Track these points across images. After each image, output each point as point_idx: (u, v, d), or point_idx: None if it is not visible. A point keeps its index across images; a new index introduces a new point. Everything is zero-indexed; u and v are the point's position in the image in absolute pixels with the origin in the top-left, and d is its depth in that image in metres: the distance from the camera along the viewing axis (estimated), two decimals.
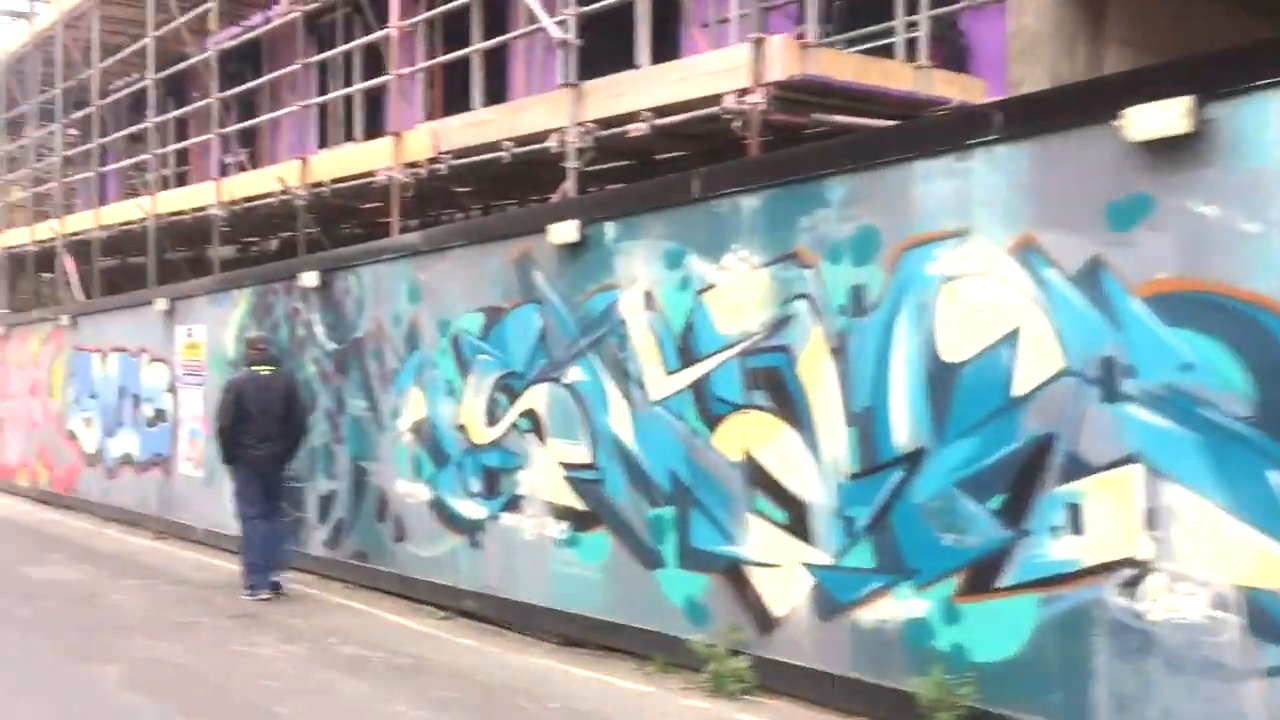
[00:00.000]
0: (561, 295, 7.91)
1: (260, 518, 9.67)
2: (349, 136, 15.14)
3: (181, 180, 19.48)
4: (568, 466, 7.87)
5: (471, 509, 8.79)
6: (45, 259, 19.94)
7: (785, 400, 6.42)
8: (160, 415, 13.96)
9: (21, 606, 9.14)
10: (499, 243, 8.54)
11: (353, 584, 10.13)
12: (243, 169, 17.25)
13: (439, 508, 9.16)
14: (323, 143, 16.27)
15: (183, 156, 19.50)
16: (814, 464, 6.27)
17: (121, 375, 15.03)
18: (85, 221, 17.30)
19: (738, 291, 6.67)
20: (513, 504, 8.38)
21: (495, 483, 8.57)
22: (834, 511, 6.18)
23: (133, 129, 16.86)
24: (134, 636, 8.09)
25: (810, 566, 6.29)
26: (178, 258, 15.94)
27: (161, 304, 13.65)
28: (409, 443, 9.53)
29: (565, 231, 7.71)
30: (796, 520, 6.36)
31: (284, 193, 12.11)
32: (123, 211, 16.04)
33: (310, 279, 10.71)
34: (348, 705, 6.55)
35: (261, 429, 9.59)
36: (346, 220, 13.28)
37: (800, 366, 6.34)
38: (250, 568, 9.62)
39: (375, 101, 14.98)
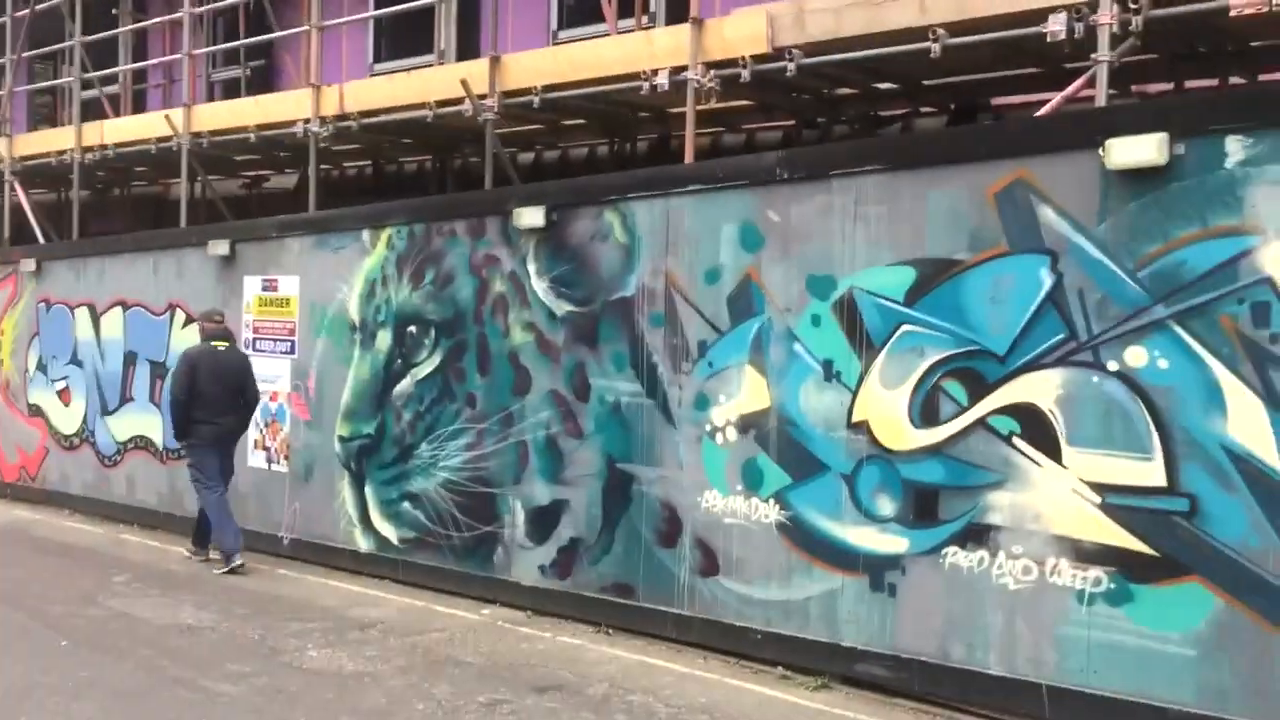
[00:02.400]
0: (1111, 244, 5.52)
1: (219, 486, 9.37)
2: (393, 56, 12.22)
3: (139, 103, 15.97)
4: (1110, 490, 5.52)
5: (876, 539, 6.33)
6: None
7: None
8: None
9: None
10: (955, 169, 6.08)
11: (598, 625, 7.52)
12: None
13: (801, 535, 6.66)
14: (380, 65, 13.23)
15: (140, 75, 15.94)
16: None
17: (131, 337, 11.72)
18: (55, 141, 13.66)
19: None
20: (973, 536, 5.98)
21: (931, 505, 6.14)
22: None
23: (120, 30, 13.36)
24: None
25: None
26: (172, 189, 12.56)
27: (220, 247, 10.46)
28: (732, 443, 6.97)
29: (1138, 150, 5.33)
30: None
31: (444, 103, 9.17)
32: (138, 127, 12.54)
33: (531, 217, 7.94)
34: None
35: (218, 404, 9.30)
36: (542, 139, 10.44)
37: None
38: (227, 537, 9.22)
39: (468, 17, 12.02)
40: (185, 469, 9.85)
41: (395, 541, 8.93)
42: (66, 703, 5.66)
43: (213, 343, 9.49)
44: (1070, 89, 6.11)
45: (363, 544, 9.18)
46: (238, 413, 9.50)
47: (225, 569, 9.05)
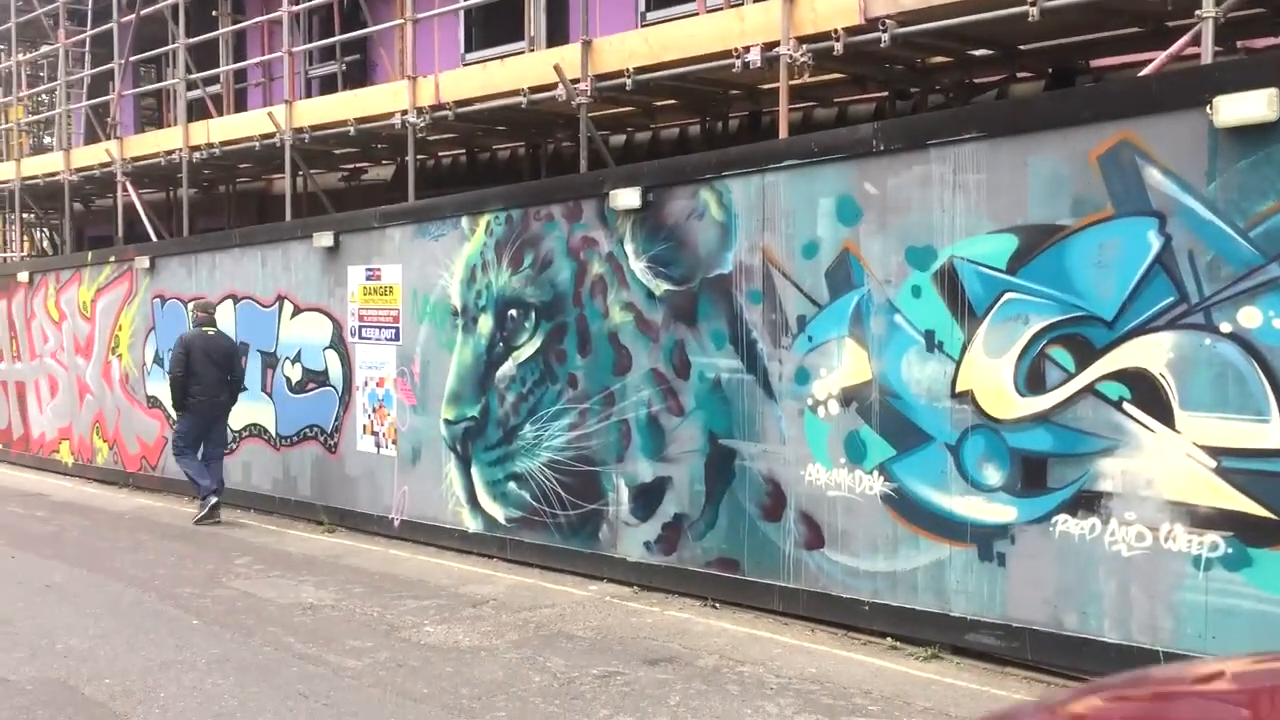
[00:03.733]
0: (1221, 203, 5.42)
1: (194, 450, 11.02)
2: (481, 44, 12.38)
3: (240, 102, 16.40)
4: (1225, 453, 5.43)
5: (984, 508, 6.31)
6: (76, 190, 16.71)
7: None
8: (316, 378, 11.12)
9: None
10: (1056, 133, 6.01)
11: (704, 599, 7.60)
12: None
13: (906, 506, 6.66)
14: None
15: (240, 74, 16.38)
16: None
17: (242, 329, 12.08)
18: (163, 141, 14.14)
19: None
20: (1084, 503, 5.92)
21: (1040, 473, 6.09)
22: None
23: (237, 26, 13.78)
24: None
25: None
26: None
27: (324, 239, 10.75)
28: (834, 416, 6.99)
29: (1248, 107, 5.22)
30: None
31: (538, 89, 9.31)
32: (242, 125, 12.93)
33: (627, 198, 8.02)
34: None
35: (208, 381, 10.84)
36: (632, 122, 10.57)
37: None
38: (203, 482, 10.87)
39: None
40: (312, 455, 10.62)
41: (502, 521, 9.12)
42: (201, 678, 5.92)
43: (203, 328, 11.07)
44: (1175, 47, 6.00)
45: (471, 524, 9.39)
46: (227, 388, 11.02)
47: (202, 512, 10.76)
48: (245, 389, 11.79)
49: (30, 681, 5.83)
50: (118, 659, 6.26)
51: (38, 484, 14.05)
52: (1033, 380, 6.09)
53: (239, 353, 11.32)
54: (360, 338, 10.55)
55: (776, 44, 7.51)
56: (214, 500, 10.79)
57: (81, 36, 16.51)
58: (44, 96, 20.15)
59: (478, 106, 9.99)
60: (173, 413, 11.48)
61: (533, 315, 8.85)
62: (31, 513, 11.82)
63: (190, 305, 11.74)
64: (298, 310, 11.31)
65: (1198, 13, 5.73)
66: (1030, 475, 6.12)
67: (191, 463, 11.03)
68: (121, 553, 9.46)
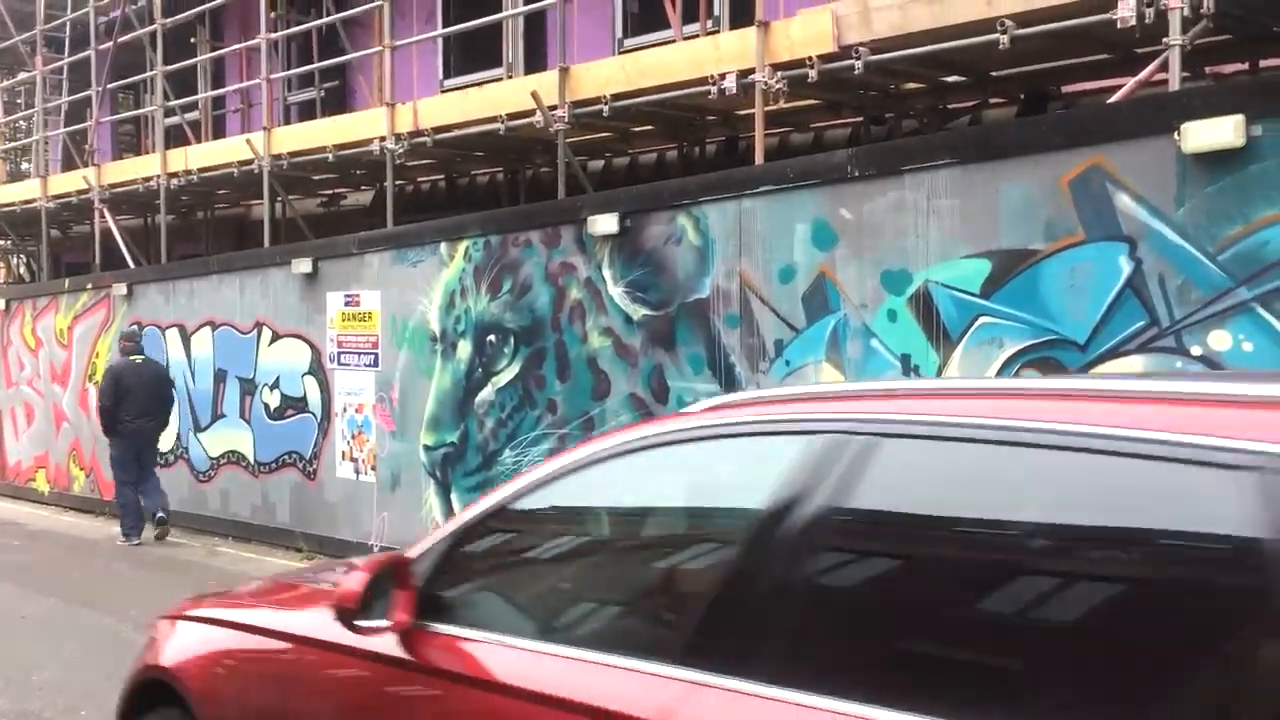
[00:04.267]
0: (1190, 228, 5.49)
1: (134, 482, 11.26)
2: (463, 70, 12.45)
3: (219, 129, 16.40)
4: None
5: None
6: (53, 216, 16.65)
7: None
8: (295, 404, 11.09)
9: None
10: (1029, 159, 6.08)
11: None
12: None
13: None
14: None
15: (218, 101, 16.37)
16: None
17: (220, 355, 12.05)
18: (142, 168, 14.12)
19: None
20: None
21: None
22: None
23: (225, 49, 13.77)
24: None
25: None
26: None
27: (303, 265, 10.74)
28: None
29: (1215, 133, 5.30)
30: None
31: (516, 115, 9.36)
32: (221, 152, 12.93)
33: (605, 224, 8.06)
34: None
35: (138, 408, 11.15)
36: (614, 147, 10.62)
37: None
38: (130, 522, 11.23)
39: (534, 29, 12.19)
40: (291, 482, 10.68)
41: None
42: None
43: (131, 357, 11.37)
44: (1144, 74, 6.08)
45: None
46: (156, 414, 11.37)
47: (123, 542, 11.18)
48: (224, 415, 11.81)
49: (5, 715, 5.79)
50: (94, 691, 6.20)
51: (13, 513, 13.94)
52: None
53: (168, 378, 11.74)
54: (339, 364, 10.54)
55: (752, 71, 7.59)
56: (135, 540, 11.15)
57: (59, 64, 16.49)
58: (21, 123, 20.12)
59: (456, 133, 10.03)
60: (105, 438, 11.67)
61: (511, 341, 8.87)
62: (8, 542, 11.73)
63: (119, 336, 12.11)
64: (276, 336, 11.28)
65: (1165, 39, 5.81)
66: None
67: (127, 498, 11.27)
68: (98, 582, 9.39)
